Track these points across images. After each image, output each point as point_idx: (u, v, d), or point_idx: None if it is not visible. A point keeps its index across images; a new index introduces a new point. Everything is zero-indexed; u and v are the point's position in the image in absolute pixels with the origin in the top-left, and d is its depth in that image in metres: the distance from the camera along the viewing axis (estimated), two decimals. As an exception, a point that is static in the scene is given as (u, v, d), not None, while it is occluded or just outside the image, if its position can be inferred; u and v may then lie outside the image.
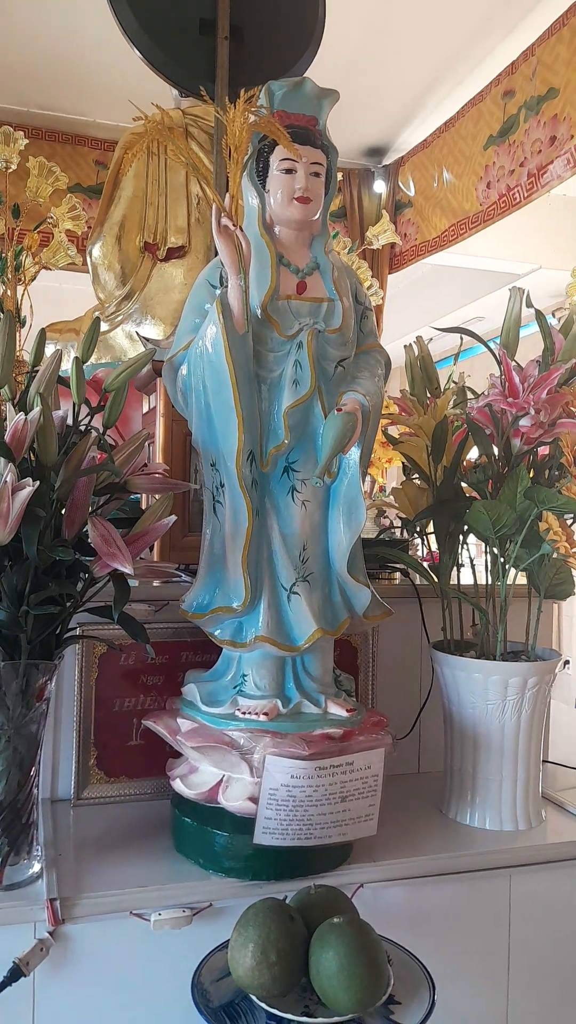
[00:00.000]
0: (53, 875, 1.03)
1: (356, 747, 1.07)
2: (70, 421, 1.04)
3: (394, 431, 1.49)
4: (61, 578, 1.01)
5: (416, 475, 1.37)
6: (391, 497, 1.45)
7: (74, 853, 1.12)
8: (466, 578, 1.38)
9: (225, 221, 1.05)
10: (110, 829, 1.20)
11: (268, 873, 1.06)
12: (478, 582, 1.34)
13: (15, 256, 1.90)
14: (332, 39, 1.94)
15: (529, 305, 1.30)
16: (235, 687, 1.14)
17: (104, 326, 2.12)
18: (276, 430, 1.10)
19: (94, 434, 1.05)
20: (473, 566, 1.36)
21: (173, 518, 1.06)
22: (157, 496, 1.10)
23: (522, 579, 1.31)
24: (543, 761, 1.33)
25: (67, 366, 1.05)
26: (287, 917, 0.90)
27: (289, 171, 1.10)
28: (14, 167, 1.92)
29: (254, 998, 0.88)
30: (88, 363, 1.07)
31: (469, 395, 1.41)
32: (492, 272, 4.59)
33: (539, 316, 1.28)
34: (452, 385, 1.43)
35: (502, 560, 1.25)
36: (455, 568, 1.35)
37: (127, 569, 0.97)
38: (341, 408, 1.09)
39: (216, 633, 1.14)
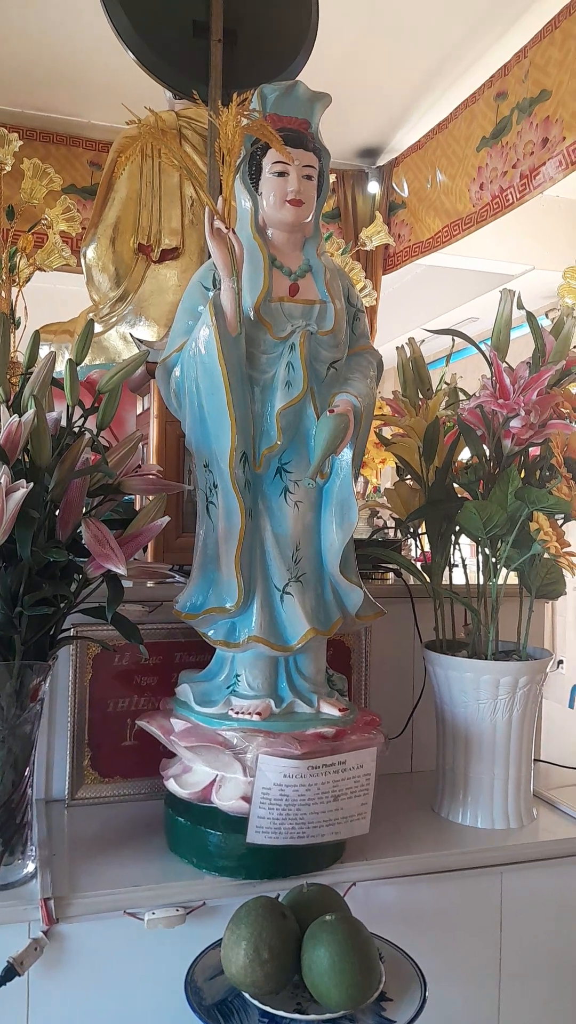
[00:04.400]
0: (47, 875, 1.04)
1: (348, 746, 1.08)
2: (64, 423, 1.04)
3: (387, 432, 1.50)
4: (55, 579, 1.02)
5: (408, 476, 1.38)
6: (384, 498, 1.46)
7: (68, 853, 1.13)
8: (458, 578, 1.38)
9: (218, 224, 1.06)
10: (104, 829, 1.21)
11: (261, 872, 1.07)
12: (470, 582, 1.35)
13: (10, 257, 1.90)
14: (325, 42, 1.94)
15: (520, 306, 1.31)
16: (228, 687, 1.15)
17: (98, 328, 2.13)
18: (269, 431, 1.11)
19: (88, 436, 1.05)
20: (465, 566, 1.37)
21: (167, 519, 1.07)
22: (151, 497, 1.11)
23: (513, 579, 1.31)
24: (535, 760, 1.34)
25: (61, 368, 1.06)
26: (279, 915, 0.91)
27: (281, 174, 1.10)
28: (8, 168, 1.93)
29: (247, 995, 0.88)
30: (82, 365, 1.07)
31: (461, 396, 1.42)
32: (485, 273, 4.60)
33: (530, 317, 1.29)
34: (444, 386, 1.44)
35: (493, 560, 1.25)
36: (447, 568, 1.36)
37: (121, 570, 0.97)
38: (333, 409, 1.10)
39: (209, 633, 1.15)
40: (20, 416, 0.97)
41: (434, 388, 1.42)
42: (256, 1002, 0.88)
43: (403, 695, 1.48)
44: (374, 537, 1.75)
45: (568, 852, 1.22)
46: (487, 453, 1.26)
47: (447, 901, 1.16)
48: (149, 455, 1.45)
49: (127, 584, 1.12)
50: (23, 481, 0.93)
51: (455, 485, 1.34)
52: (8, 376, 1.08)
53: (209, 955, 0.95)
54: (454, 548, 1.36)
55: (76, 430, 1.05)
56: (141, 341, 1.59)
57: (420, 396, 1.40)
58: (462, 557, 1.37)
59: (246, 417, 1.09)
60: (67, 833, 1.20)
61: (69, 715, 1.27)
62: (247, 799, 1.03)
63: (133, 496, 1.43)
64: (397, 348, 1.42)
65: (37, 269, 1.99)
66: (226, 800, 1.05)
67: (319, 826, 1.05)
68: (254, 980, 0.87)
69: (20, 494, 0.92)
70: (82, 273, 2.18)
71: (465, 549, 1.38)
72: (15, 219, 1.93)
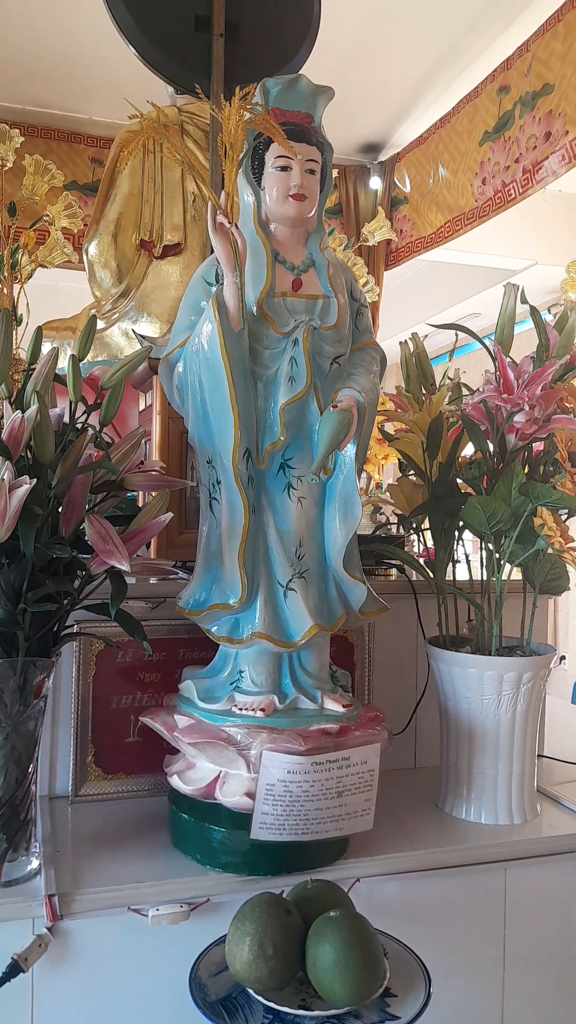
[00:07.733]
0: (51, 871, 1.04)
1: (352, 742, 1.08)
2: (67, 419, 1.04)
3: (390, 427, 1.50)
4: (58, 575, 1.02)
5: (412, 471, 1.37)
6: (387, 493, 1.46)
7: (72, 849, 1.13)
8: (461, 574, 1.38)
9: (221, 218, 1.06)
10: (108, 825, 1.21)
11: (265, 868, 1.07)
12: (473, 578, 1.35)
13: (11, 254, 1.90)
14: (328, 36, 1.93)
15: (524, 301, 1.31)
16: (232, 683, 1.15)
17: (100, 324, 2.12)
18: (272, 427, 1.11)
19: (91, 432, 1.05)
20: (468, 562, 1.37)
21: (170, 515, 1.07)
22: (154, 494, 1.11)
23: (517, 574, 1.31)
24: (538, 755, 1.34)
25: (64, 364, 1.05)
26: (284, 911, 0.91)
27: (284, 168, 1.10)
28: (10, 165, 1.93)
29: (251, 992, 0.88)
30: (84, 361, 1.07)
31: (464, 391, 1.42)
32: (488, 268, 4.58)
33: (533, 312, 1.28)
34: (447, 381, 1.43)
35: (497, 556, 1.25)
36: (450, 564, 1.36)
37: (124, 566, 0.97)
38: (337, 405, 1.10)
39: (213, 630, 1.15)
40: (23, 412, 0.97)
41: (437, 383, 1.41)
42: (260, 998, 0.88)
43: (406, 691, 1.48)
44: (377, 533, 1.75)
45: (571, 848, 1.22)
46: (491, 448, 1.26)
47: (451, 897, 1.16)
48: (152, 451, 1.45)
49: (130, 580, 1.12)
50: (26, 477, 0.93)
51: (459, 481, 1.33)
52: (11, 372, 1.08)
53: (213, 951, 0.95)
54: (457, 544, 1.35)
55: (79, 426, 1.04)
56: (143, 337, 1.59)
57: (423, 391, 1.39)
58: (465, 553, 1.37)
59: (249, 413, 1.09)
60: (71, 830, 1.20)
61: (72, 712, 1.27)
62: (251, 795, 1.03)
63: (136, 492, 1.44)
64: (400, 343, 1.41)
65: (39, 266, 1.99)
66: (230, 796, 1.04)
67: (323, 822, 1.05)
68: (258, 976, 0.87)
69: (23, 490, 0.92)
70: (84, 269, 2.18)
71: (468, 545, 1.38)
72: (17, 216, 1.93)
